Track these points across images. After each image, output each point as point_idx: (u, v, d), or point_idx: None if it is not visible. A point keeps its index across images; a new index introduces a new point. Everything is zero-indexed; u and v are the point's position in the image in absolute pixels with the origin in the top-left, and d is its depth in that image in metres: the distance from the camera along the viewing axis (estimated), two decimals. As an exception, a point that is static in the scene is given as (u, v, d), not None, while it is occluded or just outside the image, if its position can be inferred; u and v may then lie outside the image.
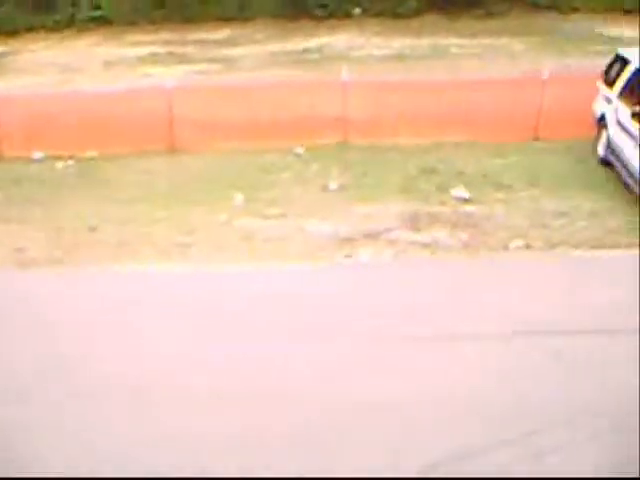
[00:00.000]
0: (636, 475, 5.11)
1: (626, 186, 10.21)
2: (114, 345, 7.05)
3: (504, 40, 20.17)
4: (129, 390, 6.35)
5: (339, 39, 21.27)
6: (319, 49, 20.39)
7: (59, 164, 12.40)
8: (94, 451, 5.65)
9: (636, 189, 9.79)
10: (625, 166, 10.36)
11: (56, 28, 23.33)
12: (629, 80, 11.03)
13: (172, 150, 12.68)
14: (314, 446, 5.65)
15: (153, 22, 23.43)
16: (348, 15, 22.48)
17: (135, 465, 5.44)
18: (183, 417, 6.01)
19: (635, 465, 5.13)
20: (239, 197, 10.51)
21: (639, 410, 5.60)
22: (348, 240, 9.18)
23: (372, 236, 9.25)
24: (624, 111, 10.56)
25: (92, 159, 12.50)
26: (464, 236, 9.24)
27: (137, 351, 6.95)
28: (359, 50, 19.84)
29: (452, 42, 20.18)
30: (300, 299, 7.81)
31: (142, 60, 19.89)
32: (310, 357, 6.77)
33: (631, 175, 10.07)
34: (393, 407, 6.03)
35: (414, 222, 9.63)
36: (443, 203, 10.21)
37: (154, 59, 19.88)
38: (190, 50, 20.71)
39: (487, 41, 20.16)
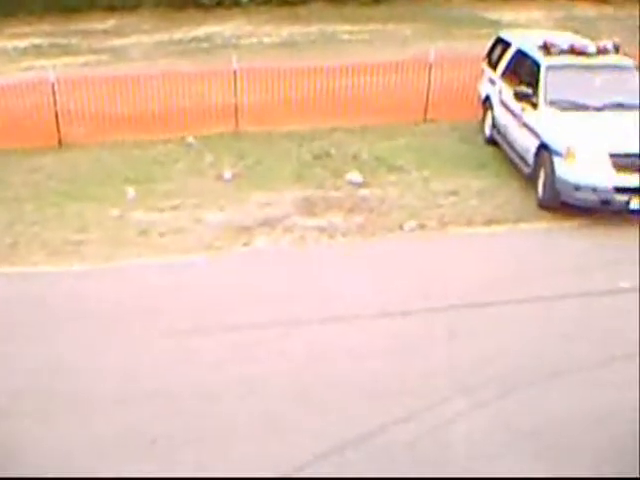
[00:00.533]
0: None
1: (512, 164, 10.59)
2: (9, 349, 6.78)
3: (392, 26, 20.49)
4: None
5: (228, 28, 21.07)
6: (208, 38, 20.13)
7: (-62, 165, 11.76)
8: None
9: (522, 166, 10.17)
10: (510, 145, 10.74)
11: None
12: (510, 61, 11.43)
13: (59, 146, 12.26)
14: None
15: (32, 13, 22.55)
16: (236, 3, 22.29)
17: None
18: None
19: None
20: (132, 191, 10.27)
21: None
22: (245, 229, 9.14)
23: (269, 224, 9.25)
24: (507, 91, 10.93)
25: (-27, 158, 11.92)
26: (359, 219, 9.37)
27: (35, 354, 6.71)
28: (248, 38, 19.72)
29: (341, 29, 20.34)
30: (200, 290, 7.76)
31: (23, 52, 19.11)
32: (214, 349, 6.73)
33: (516, 153, 10.45)
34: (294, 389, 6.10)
35: (310, 208, 9.69)
36: (338, 188, 10.32)
37: (36, 51, 19.13)
38: (74, 41, 20.03)
39: (375, 27, 20.43)
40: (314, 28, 20.28)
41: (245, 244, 8.84)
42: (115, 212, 9.70)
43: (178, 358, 6.61)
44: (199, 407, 5.98)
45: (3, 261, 8.60)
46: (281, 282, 7.89)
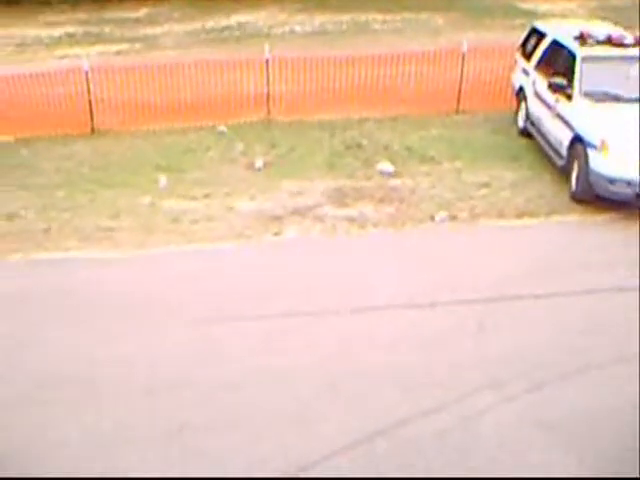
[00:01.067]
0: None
1: (545, 156, 10.48)
2: (40, 336, 6.87)
3: (424, 15, 20.36)
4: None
5: (260, 16, 21.08)
6: (240, 27, 20.17)
7: (-27, 152, 11.94)
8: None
9: (555, 159, 10.05)
10: (544, 137, 10.63)
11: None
12: (545, 52, 11.29)
13: (92, 133, 12.37)
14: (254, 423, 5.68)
15: (66, 1, 22.75)
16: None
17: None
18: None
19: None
20: (164, 179, 10.34)
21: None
22: (276, 218, 9.15)
23: (300, 213, 9.25)
24: (541, 83, 10.81)
25: (8, 145, 12.06)
26: (390, 209, 9.33)
27: (63, 340, 6.79)
28: (280, 27, 19.72)
29: (373, 18, 20.26)
30: (231, 279, 7.79)
31: (58, 41, 19.30)
32: (242, 337, 6.75)
33: (550, 145, 10.33)
34: (330, 378, 6.11)
35: (341, 198, 9.67)
36: (369, 178, 10.29)
37: (70, 40, 19.31)
38: (107, 29, 20.20)
39: (408, 16, 20.31)
40: (346, 17, 20.22)
41: (276, 233, 8.84)
42: (147, 200, 9.76)
43: (205, 346, 6.64)
44: (225, 396, 5.99)
45: (36, 247, 8.71)
46: (311, 272, 7.90)
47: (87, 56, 13.37)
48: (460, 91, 12.82)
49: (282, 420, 5.70)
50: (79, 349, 6.64)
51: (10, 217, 9.50)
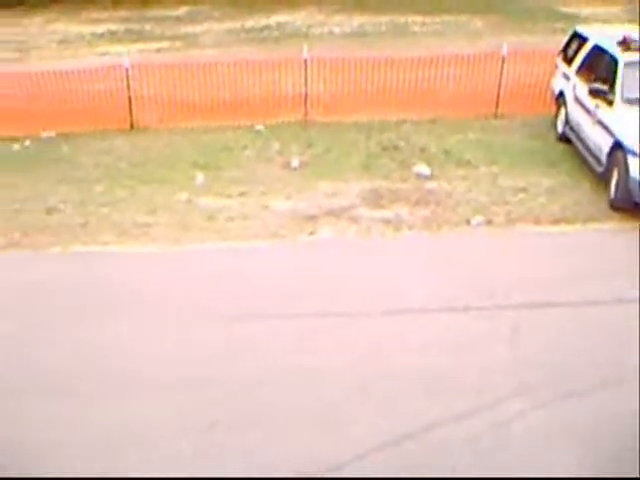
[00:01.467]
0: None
1: (584, 162, 10.36)
2: (75, 329, 6.97)
3: (464, 18, 20.26)
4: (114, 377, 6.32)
5: (299, 16, 21.16)
6: (279, 26, 20.26)
7: (15, 145, 12.14)
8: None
9: (594, 165, 9.93)
10: (583, 142, 10.50)
11: (8, 4, 22.81)
12: (586, 57, 11.16)
13: (131, 129, 12.53)
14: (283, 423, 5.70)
15: (108, -2, 23.11)
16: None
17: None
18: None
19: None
20: (200, 176, 10.43)
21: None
22: (311, 218, 9.17)
23: (335, 214, 9.26)
24: (582, 88, 10.68)
25: (49, 139, 12.27)
26: (426, 212, 9.30)
27: (98, 334, 6.88)
28: (319, 27, 19.77)
29: (412, 19, 20.21)
30: (264, 277, 7.82)
31: (99, 37, 19.57)
32: (273, 336, 6.78)
33: (589, 151, 10.21)
34: (362, 380, 6.11)
35: (376, 199, 9.66)
36: (405, 180, 10.26)
37: (112, 37, 19.58)
38: (148, 27, 20.42)
39: (447, 19, 20.23)
40: (385, 18, 20.20)
41: (310, 233, 8.86)
42: (183, 196, 9.86)
43: (237, 344, 6.67)
44: (255, 394, 6.02)
45: (74, 240, 8.84)
46: (344, 273, 7.90)
47: (128, 53, 13.51)
48: (499, 95, 12.73)
49: (311, 420, 5.72)
50: (112, 343, 6.73)
51: (49, 211, 9.66)
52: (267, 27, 20.20)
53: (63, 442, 5.54)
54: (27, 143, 12.22)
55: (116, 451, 5.45)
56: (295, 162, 10.86)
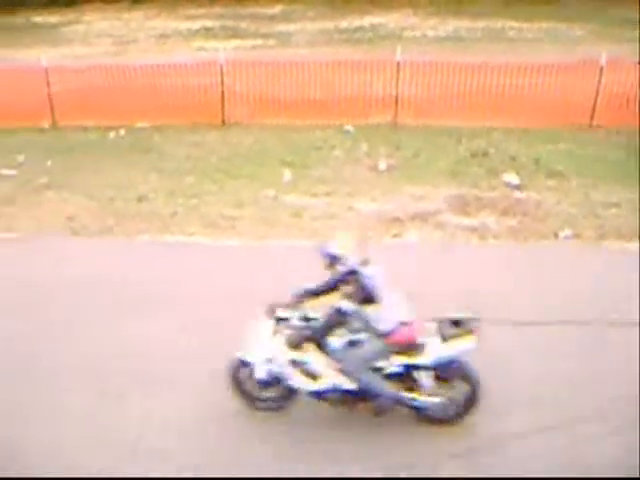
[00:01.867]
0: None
1: (683, 178, 9.98)
2: (163, 312, 7.13)
3: (562, 25, 19.81)
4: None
5: (392, 19, 21.10)
6: (372, 28, 20.25)
7: (111, 134, 12.54)
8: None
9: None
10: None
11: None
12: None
13: (223, 124, 12.75)
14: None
15: (206, -5, 23.62)
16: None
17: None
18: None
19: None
20: (288, 173, 10.53)
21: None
22: (396, 221, 9.13)
23: (421, 218, 9.19)
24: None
25: (143, 130, 12.63)
26: (513, 222, 9.12)
27: (183, 320, 7.02)
28: (412, 30, 19.66)
29: (509, 25, 19.87)
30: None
31: (195, 34, 19.99)
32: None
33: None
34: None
35: (463, 206, 9.54)
36: (493, 188, 10.10)
37: (207, 33, 19.97)
38: (243, 25, 20.74)
39: (545, 26, 19.82)
40: (481, 24, 19.94)
41: (395, 235, 8.82)
42: (270, 192, 9.97)
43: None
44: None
45: (163, 229, 9.05)
46: (426, 277, 7.80)
47: (223, 50, 13.74)
48: (595, 105, 12.38)
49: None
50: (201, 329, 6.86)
51: (140, 199, 9.93)
52: (360, 28, 20.23)
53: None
54: (122, 132, 12.60)
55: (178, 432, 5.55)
56: (383, 164, 10.83)
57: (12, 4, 23.22)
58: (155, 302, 7.29)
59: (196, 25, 20.73)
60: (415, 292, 7.33)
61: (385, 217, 9.23)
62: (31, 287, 7.60)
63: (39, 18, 22.84)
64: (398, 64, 12.52)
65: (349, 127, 12.28)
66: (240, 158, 11.24)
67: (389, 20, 20.88)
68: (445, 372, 5.40)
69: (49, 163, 11.43)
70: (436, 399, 5.40)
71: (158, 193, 10.10)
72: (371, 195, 9.86)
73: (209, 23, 20.98)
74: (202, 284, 7.65)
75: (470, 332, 5.38)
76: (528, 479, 5.13)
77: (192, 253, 8.46)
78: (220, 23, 20.94)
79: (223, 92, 12.80)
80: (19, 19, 22.88)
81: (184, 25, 20.81)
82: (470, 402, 5.47)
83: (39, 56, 13.57)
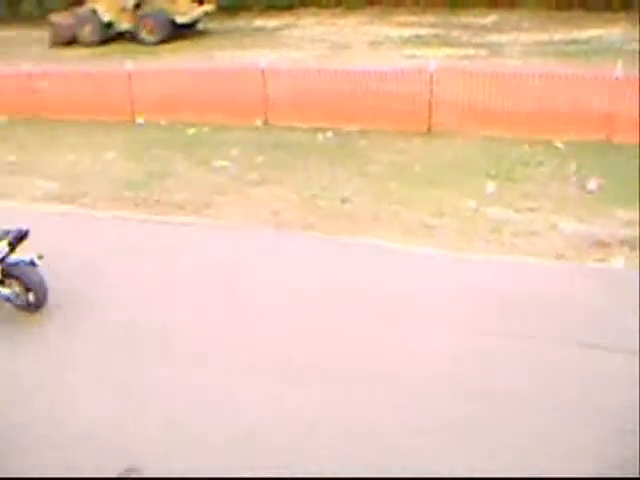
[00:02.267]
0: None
1: None
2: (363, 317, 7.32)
3: None
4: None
5: (613, 32, 20.07)
6: (589, 41, 19.39)
7: (319, 135, 12.99)
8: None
9: None
10: None
11: (327, 5, 24.38)
12: None
13: (428, 132, 12.79)
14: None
15: (418, 3, 23.67)
16: (625, 7, 21.12)
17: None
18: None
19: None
20: (491, 186, 10.38)
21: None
22: (602, 244, 8.72)
23: (630, 244, 8.68)
24: None
25: (351, 134, 12.95)
26: None
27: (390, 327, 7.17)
28: (634, 44, 18.57)
29: None
30: (545, 298, 7.60)
31: (407, 41, 20.17)
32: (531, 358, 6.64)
33: None
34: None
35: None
36: None
37: (419, 40, 20.08)
38: (455, 34, 20.63)
39: None
40: None
41: (599, 260, 8.43)
42: (472, 204, 9.89)
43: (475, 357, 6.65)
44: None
45: (364, 232, 9.27)
46: (633, 307, 7.38)
47: (433, 58, 13.78)
48: None
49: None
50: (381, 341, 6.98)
51: (343, 200, 10.23)
52: (576, 41, 19.45)
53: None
54: (329, 135, 13.02)
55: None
56: (592, 184, 10.36)
57: (235, 8, 24.63)
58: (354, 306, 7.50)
59: (408, 33, 20.88)
60: (620, 320, 7.03)
61: (589, 239, 8.84)
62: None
63: (259, 22, 24.05)
64: (617, 79, 11.92)
65: (559, 143, 11.86)
66: (444, 167, 11.23)
67: (610, 33, 19.89)
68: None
69: (260, 159, 12.07)
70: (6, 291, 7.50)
71: (361, 196, 10.34)
72: (577, 215, 9.48)
73: (421, 31, 21.07)
74: (396, 292, 7.76)
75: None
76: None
77: (388, 259, 8.59)
78: (432, 31, 20.97)
79: (431, 100, 12.83)
80: (241, 22, 24.23)
81: (396, 32, 21.04)
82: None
83: (257, 58, 14.31)
